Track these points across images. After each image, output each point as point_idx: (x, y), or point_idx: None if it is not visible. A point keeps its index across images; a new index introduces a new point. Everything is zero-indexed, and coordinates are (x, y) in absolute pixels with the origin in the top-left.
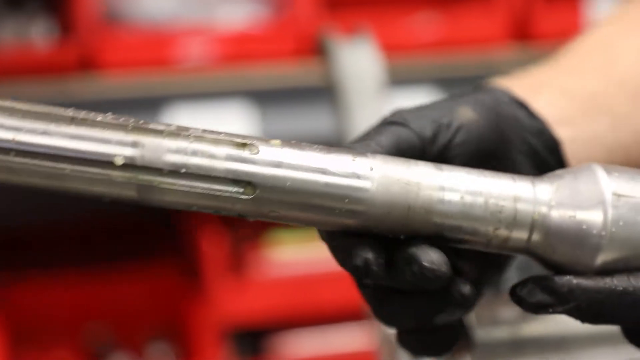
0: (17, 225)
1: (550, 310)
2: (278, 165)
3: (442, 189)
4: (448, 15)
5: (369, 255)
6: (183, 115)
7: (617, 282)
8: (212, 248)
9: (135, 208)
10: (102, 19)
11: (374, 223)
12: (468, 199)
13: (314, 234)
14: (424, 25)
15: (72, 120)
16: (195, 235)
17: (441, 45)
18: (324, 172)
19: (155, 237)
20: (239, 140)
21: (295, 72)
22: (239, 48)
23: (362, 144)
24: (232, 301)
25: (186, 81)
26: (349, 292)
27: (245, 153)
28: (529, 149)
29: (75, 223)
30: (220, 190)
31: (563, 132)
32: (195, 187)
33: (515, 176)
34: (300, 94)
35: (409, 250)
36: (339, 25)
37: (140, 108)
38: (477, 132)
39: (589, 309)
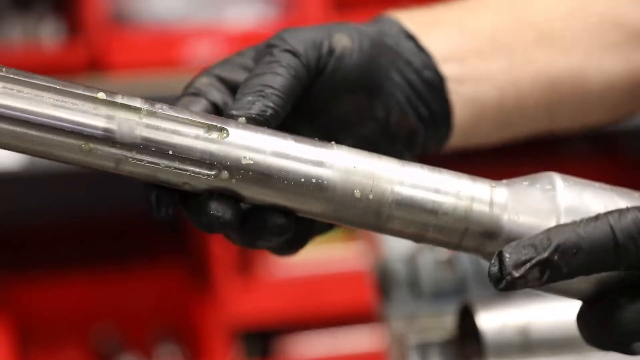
0: (25, 226)
1: (531, 266)
2: (246, 147)
3: (401, 183)
4: None
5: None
6: None
7: (600, 223)
8: (220, 248)
9: (144, 208)
10: (111, 20)
11: (339, 213)
12: (425, 195)
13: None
14: None
15: (49, 89)
16: (203, 235)
17: None
18: (287, 157)
19: (164, 238)
20: (210, 122)
21: None
22: None
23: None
24: (240, 302)
25: None
26: (358, 293)
27: (217, 137)
28: (406, 84)
29: (84, 223)
30: (189, 170)
31: (450, 69)
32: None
33: (476, 178)
34: None
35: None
36: None
37: None
38: (349, 61)
39: (565, 253)
